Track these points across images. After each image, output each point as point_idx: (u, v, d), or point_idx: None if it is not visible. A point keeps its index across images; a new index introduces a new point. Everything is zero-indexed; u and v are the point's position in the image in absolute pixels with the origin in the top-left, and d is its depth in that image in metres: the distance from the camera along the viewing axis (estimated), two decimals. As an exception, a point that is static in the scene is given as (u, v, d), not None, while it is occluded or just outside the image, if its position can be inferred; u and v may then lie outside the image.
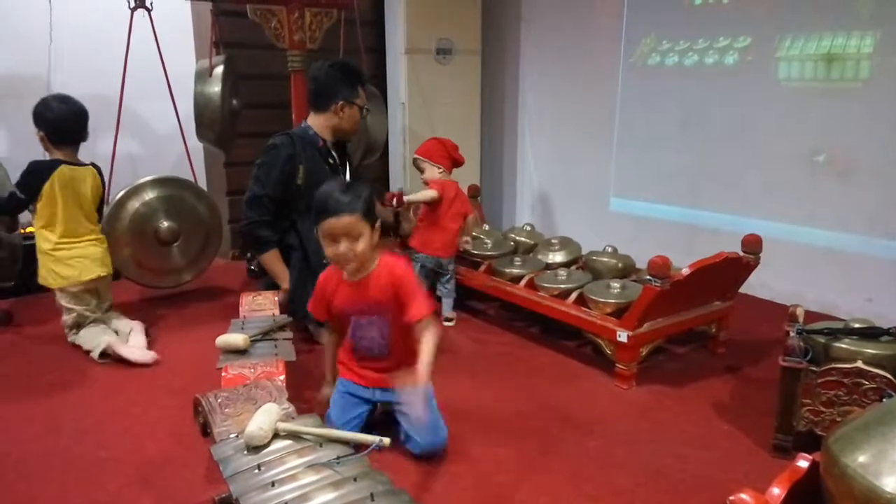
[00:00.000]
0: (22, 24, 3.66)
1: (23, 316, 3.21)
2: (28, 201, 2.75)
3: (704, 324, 2.76)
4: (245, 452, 1.48)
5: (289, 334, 2.23)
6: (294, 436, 1.53)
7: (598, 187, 4.30)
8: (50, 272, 2.76)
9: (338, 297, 2.00)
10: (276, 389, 1.77)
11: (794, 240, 3.34)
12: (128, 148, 3.76)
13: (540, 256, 3.21)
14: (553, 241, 3.30)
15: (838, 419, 1.82)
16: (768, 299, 3.42)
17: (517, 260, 3.13)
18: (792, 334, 1.95)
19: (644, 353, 2.50)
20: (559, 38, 4.41)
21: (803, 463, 1.28)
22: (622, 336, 2.42)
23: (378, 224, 1.94)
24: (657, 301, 2.32)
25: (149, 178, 3.29)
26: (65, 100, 2.78)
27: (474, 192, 3.84)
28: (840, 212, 3.19)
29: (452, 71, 4.47)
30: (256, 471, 1.42)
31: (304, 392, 2.28)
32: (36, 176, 2.72)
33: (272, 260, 2.78)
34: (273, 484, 1.36)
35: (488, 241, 3.33)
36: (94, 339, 2.72)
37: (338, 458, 1.46)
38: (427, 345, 1.84)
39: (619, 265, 2.98)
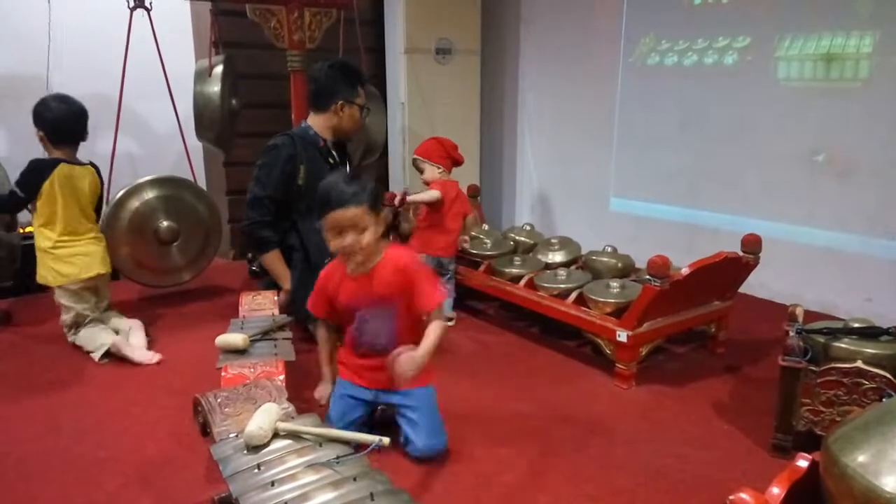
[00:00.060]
0: (21, 24, 3.66)
1: (22, 316, 3.21)
2: (28, 199, 2.75)
3: (704, 323, 2.76)
4: (245, 452, 1.48)
5: (288, 334, 2.24)
6: (294, 435, 1.54)
7: (598, 187, 4.30)
8: (50, 270, 2.76)
9: (342, 293, 1.98)
10: (275, 389, 1.78)
11: (794, 240, 3.34)
12: (127, 148, 3.77)
13: (540, 256, 3.21)
14: (553, 240, 3.29)
15: (838, 419, 1.82)
16: (768, 299, 3.42)
17: (517, 260, 3.13)
18: (791, 334, 1.95)
19: (644, 352, 2.50)
20: (559, 38, 4.41)
21: (803, 463, 1.28)
22: (622, 336, 2.42)
23: (383, 216, 1.93)
24: (657, 301, 2.33)
25: (148, 177, 3.29)
26: (64, 99, 2.79)
27: (474, 191, 3.84)
28: (839, 212, 3.20)
29: (452, 71, 4.47)
30: (256, 470, 1.42)
31: (303, 392, 2.27)
32: (36, 174, 2.72)
33: (273, 261, 2.78)
34: (273, 483, 1.36)
35: (488, 241, 3.33)
36: (94, 339, 2.73)
37: (337, 457, 1.46)
38: (433, 332, 1.85)
39: (619, 265, 2.98)
